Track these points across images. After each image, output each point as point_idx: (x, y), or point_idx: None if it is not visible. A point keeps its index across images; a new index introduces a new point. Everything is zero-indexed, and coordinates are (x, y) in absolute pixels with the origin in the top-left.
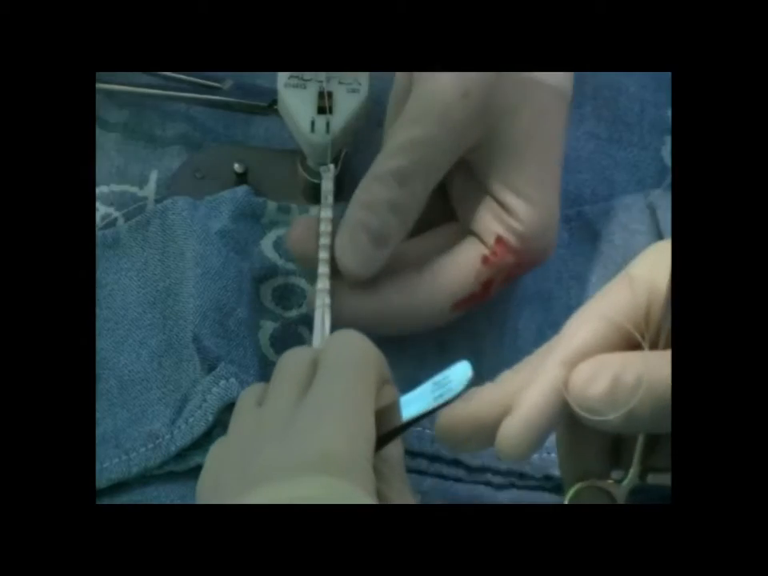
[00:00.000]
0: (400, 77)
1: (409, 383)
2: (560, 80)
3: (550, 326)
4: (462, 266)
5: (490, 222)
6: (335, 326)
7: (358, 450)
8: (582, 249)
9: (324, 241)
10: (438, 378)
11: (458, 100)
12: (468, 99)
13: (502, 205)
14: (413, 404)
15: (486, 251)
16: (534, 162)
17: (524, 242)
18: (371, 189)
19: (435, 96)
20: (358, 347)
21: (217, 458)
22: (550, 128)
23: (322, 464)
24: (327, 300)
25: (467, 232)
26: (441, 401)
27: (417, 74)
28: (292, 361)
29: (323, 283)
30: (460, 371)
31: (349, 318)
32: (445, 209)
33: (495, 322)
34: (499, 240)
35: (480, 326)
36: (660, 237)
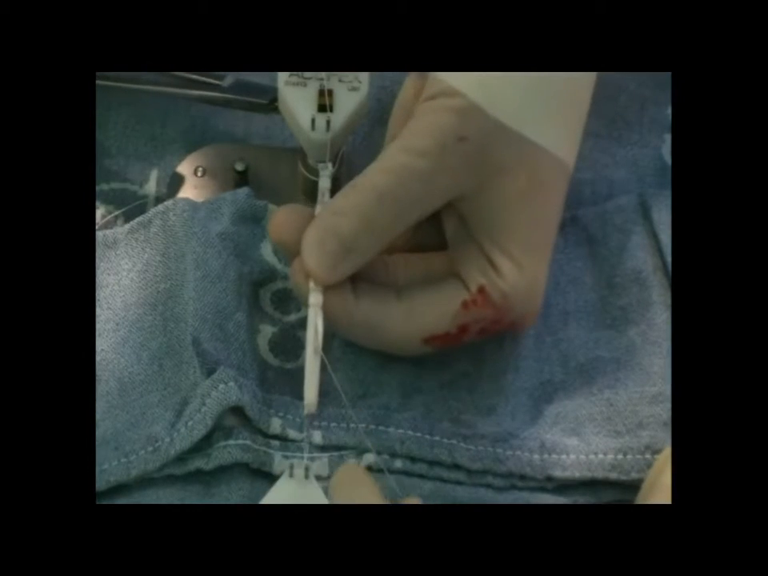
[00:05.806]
0: (408, 85)
1: (407, 388)
2: (563, 153)
3: (548, 332)
4: (441, 302)
5: (475, 271)
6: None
7: None
8: (578, 253)
9: None
10: None
11: (454, 143)
12: (465, 144)
13: (489, 260)
14: None
15: (467, 296)
16: (525, 227)
17: (506, 300)
18: (348, 196)
19: (433, 133)
20: None
21: None
22: (546, 196)
23: None
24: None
25: (454, 272)
26: None
27: (422, 98)
28: None
29: (315, 298)
30: None
31: (335, 320)
32: (439, 239)
33: None
34: (482, 289)
35: None
36: (654, 236)
